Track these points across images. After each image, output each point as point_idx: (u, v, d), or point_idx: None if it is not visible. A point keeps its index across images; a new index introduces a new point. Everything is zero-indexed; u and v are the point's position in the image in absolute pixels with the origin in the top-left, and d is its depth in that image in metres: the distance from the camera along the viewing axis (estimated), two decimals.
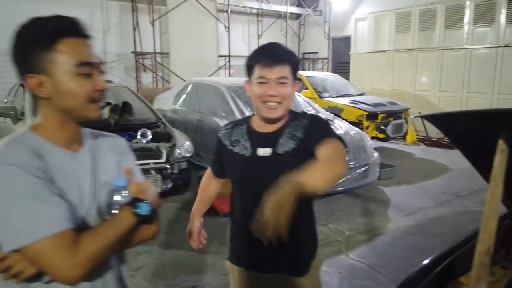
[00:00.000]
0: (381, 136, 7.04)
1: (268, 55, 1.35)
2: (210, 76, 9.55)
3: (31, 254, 0.85)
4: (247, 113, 5.29)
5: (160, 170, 4.20)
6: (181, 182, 4.47)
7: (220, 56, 10.33)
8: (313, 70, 12.93)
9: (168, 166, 4.24)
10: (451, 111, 1.47)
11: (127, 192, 0.99)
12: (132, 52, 9.24)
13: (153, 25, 9.20)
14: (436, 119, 1.51)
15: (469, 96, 8.72)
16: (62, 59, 0.92)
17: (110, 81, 5.78)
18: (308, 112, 1.51)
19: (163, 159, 4.22)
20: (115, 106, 4.61)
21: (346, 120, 6.11)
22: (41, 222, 0.84)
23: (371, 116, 6.93)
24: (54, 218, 0.86)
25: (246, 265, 1.53)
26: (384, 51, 10.32)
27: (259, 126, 1.47)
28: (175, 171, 4.36)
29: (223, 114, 5.47)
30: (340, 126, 5.17)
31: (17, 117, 4.53)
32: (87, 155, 1.03)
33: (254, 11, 11.80)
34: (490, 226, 1.38)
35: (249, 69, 1.41)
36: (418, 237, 3.77)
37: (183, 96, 6.67)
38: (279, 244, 1.15)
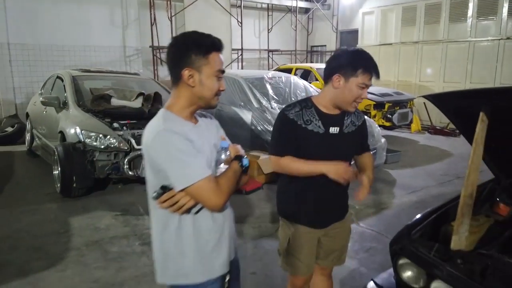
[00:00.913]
0: (387, 124, 7.49)
1: (376, 71, 1.74)
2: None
3: (192, 191, 1.28)
4: (264, 102, 5.77)
5: None
6: None
7: (233, 49, 10.78)
8: (322, 62, 13.34)
9: None
10: (447, 91, 1.89)
11: (228, 151, 1.46)
12: (150, 46, 9.71)
13: (171, 20, 9.65)
14: (435, 98, 1.96)
15: (471, 86, 9.09)
16: (211, 64, 1.36)
17: (138, 74, 6.28)
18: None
19: None
20: (148, 96, 5.09)
21: None
22: (197, 170, 1.27)
23: (378, 105, 7.38)
24: (203, 167, 1.30)
25: (314, 223, 1.92)
26: (390, 44, 10.73)
27: (326, 109, 1.83)
28: None
29: (242, 103, 5.94)
30: None
31: (60, 106, 5.05)
32: (202, 127, 1.46)
33: (265, 5, 12.20)
34: (472, 176, 1.86)
35: (352, 70, 1.71)
36: (421, 210, 4.23)
37: None
38: (342, 196, 1.98)
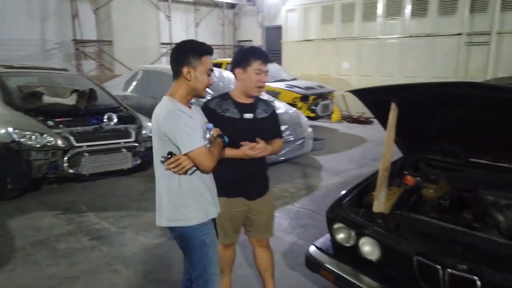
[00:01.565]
0: (312, 115, 8.15)
1: (265, 57, 2.14)
2: (152, 63, 9.95)
3: (193, 155, 1.75)
4: None
5: (130, 148, 4.77)
6: (147, 159, 5.07)
7: (161, 44, 10.72)
8: None
9: (136, 144, 4.82)
10: (367, 87, 2.32)
11: (212, 131, 1.91)
12: (72, 40, 9.29)
13: (95, 13, 9.31)
14: (358, 92, 2.41)
15: (382, 79, 10.19)
16: (203, 64, 1.83)
17: (67, 70, 6.08)
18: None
19: (133, 139, 4.79)
20: (83, 92, 5.02)
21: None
22: (197, 139, 1.76)
23: (304, 98, 7.99)
24: (201, 138, 1.79)
25: (242, 194, 2.24)
26: (311, 40, 11.51)
27: (240, 99, 2.21)
28: (142, 149, 4.95)
29: None
30: (280, 106, 6.09)
31: None
32: (194, 112, 1.91)
33: (192, 0, 12.26)
34: (387, 154, 2.34)
35: (245, 61, 2.12)
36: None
37: (134, 83, 7.12)
38: (260, 176, 2.30)
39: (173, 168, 1.77)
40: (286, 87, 8.19)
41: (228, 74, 7.05)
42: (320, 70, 11.37)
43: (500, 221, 2.13)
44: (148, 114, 6.14)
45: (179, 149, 1.77)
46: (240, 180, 2.23)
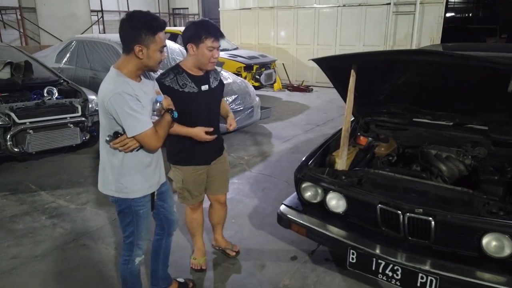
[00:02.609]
0: (256, 84, 8.29)
1: (217, 34, 2.16)
2: (83, 33, 9.30)
3: (139, 138, 1.77)
4: None
5: (77, 124, 4.56)
6: (96, 134, 4.89)
7: (92, 11, 10.00)
8: (184, 26, 13.39)
9: (84, 119, 4.62)
10: (329, 55, 2.54)
11: (161, 103, 1.93)
12: None
13: None
14: (321, 60, 2.59)
15: (319, 48, 10.60)
16: (157, 42, 1.76)
17: None
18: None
19: (79, 113, 4.58)
20: (17, 65, 4.64)
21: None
22: (144, 123, 1.75)
23: (248, 67, 8.09)
24: (148, 121, 1.78)
25: (201, 162, 2.42)
26: (249, 9, 11.46)
27: (194, 71, 2.26)
28: (90, 123, 4.75)
29: None
30: (228, 76, 6.14)
31: None
32: (144, 83, 1.87)
33: None
34: (348, 116, 2.58)
35: (198, 38, 2.14)
36: (296, 154, 5.14)
37: (68, 54, 6.67)
38: (216, 142, 2.44)
39: (120, 147, 1.79)
40: (230, 56, 8.19)
41: (171, 44, 6.87)
42: (259, 39, 11.45)
43: (443, 170, 2.49)
44: (90, 87, 5.94)
45: (124, 130, 1.77)
46: (200, 149, 2.35)
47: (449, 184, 2.36)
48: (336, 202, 2.40)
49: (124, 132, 1.76)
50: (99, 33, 10.26)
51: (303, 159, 2.70)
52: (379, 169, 2.54)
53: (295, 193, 2.70)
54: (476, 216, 1.94)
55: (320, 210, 2.48)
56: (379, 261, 2.09)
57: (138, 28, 1.70)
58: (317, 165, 2.68)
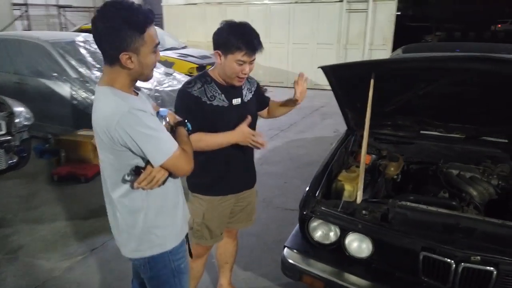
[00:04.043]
0: None
1: (251, 46, 1.71)
2: (4, 29, 8.00)
3: (169, 163, 1.31)
4: (83, 71, 4.96)
5: (1, 144, 3.67)
6: (25, 154, 4.02)
7: (14, 4, 8.67)
8: None
9: (10, 137, 3.73)
10: (342, 63, 2.10)
11: (168, 118, 1.49)
12: None
13: None
14: (332, 69, 2.11)
15: (271, 46, 10.13)
16: (148, 42, 1.28)
17: None
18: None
19: (3, 131, 3.68)
20: None
21: None
22: (169, 143, 1.31)
23: (200, 68, 7.41)
24: (172, 139, 1.34)
25: (229, 191, 2.01)
26: (195, 4, 10.74)
27: (224, 82, 1.85)
28: (17, 143, 3.88)
29: (55, 74, 4.94)
30: (182, 80, 5.46)
31: None
32: (142, 98, 1.44)
33: None
34: (366, 136, 2.10)
35: (227, 46, 1.71)
36: (266, 166, 4.63)
37: None
38: (249, 164, 2.06)
39: (146, 184, 1.33)
40: (179, 56, 7.47)
41: None
42: (207, 37, 10.64)
43: (474, 195, 2.11)
44: (16, 95, 4.94)
45: (144, 158, 1.33)
46: (230, 174, 1.96)
47: (483, 214, 1.99)
48: (358, 245, 1.91)
49: (147, 163, 1.32)
50: (23, 30, 8.94)
51: (307, 188, 2.18)
52: (402, 198, 2.09)
53: (296, 230, 2.19)
54: None
55: (334, 253, 1.99)
56: None
57: (119, 29, 1.22)
58: (324, 195, 2.18)
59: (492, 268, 1.58)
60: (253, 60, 1.78)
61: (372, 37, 9.12)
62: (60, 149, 4.50)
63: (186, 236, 1.63)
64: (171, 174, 1.38)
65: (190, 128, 1.56)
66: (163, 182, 1.38)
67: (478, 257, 1.60)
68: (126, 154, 1.31)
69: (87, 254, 2.89)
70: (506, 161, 2.39)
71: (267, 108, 2.18)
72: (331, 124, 6.41)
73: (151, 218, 1.44)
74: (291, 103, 2.10)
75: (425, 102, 2.34)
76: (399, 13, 10.00)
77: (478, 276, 1.61)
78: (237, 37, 1.71)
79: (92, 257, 2.86)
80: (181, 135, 1.47)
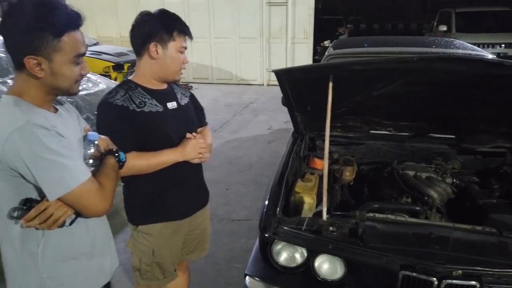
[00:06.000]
0: None
1: (188, 30, 1.57)
2: None
3: (72, 198, 1.05)
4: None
5: None
6: None
7: None
8: None
9: None
10: (297, 66, 1.90)
11: (98, 144, 1.22)
12: None
13: None
14: (285, 73, 1.88)
15: (192, 41, 9.72)
16: (65, 50, 1.06)
17: None
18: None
19: None
20: None
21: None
22: (77, 172, 1.05)
23: (117, 66, 6.76)
24: (82, 168, 1.09)
25: (184, 213, 1.73)
26: None
27: (153, 85, 1.61)
28: None
29: None
30: (99, 81, 4.85)
31: None
32: (64, 116, 1.20)
33: None
34: (327, 143, 1.92)
35: (167, 35, 1.51)
36: (204, 171, 4.30)
37: None
38: (198, 181, 1.80)
39: (39, 223, 1.06)
40: (92, 54, 6.68)
41: None
42: (120, 32, 9.95)
43: (435, 198, 2.05)
44: None
45: (42, 190, 1.06)
46: (178, 194, 1.68)
47: (445, 217, 1.94)
48: (329, 267, 1.73)
49: (43, 196, 1.05)
50: None
51: (265, 204, 1.94)
52: (367, 208, 1.95)
53: (254, 253, 1.96)
54: None
55: (302, 277, 1.79)
56: None
57: (29, 26, 1.02)
58: (284, 212, 1.96)
59: (474, 282, 1.49)
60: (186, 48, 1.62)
61: (294, 31, 9.17)
62: None
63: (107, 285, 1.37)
64: (80, 214, 1.12)
65: (124, 160, 1.28)
66: (70, 223, 1.13)
67: (460, 271, 1.50)
68: (19, 181, 1.05)
69: None
70: (455, 157, 2.40)
71: (201, 128, 1.87)
72: (264, 120, 6.27)
73: (48, 269, 1.15)
74: None
75: (376, 102, 2.23)
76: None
77: None
78: (174, 22, 1.55)
79: None
80: (106, 166, 1.20)
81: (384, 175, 2.34)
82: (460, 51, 3.02)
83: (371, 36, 8.84)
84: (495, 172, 2.27)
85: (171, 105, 1.66)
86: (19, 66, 1.07)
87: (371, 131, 2.51)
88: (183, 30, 1.57)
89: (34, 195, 1.08)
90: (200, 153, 1.62)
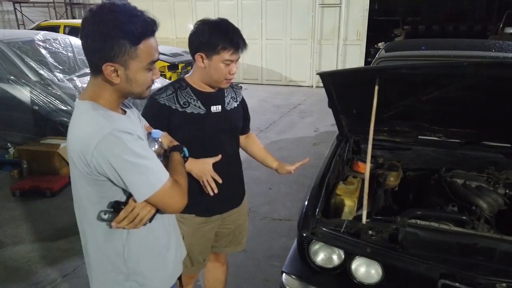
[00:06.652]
0: None
1: (236, 44, 1.59)
2: None
3: (157, 198, 1.10)
4: (44, 73, 4.54)
5: None
6: None
7: None
8: None
9: None
10: (343, 69, 1.94)
11: (161, 141, 1.30)
12: None
13: None
14: (331, 76, 1.91)
15: None
16: (141, 57, 1.08)
17: None
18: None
19: None
20: None
21: None
22: (159, 173, 1.11)
23: (172, 66, 7.06)
24: (162, 168, 1.13)
25: (213, 211, 1.81)
26: None
27: (202, 87, 1.69)
28: None
29: (12, 77, 4.50)
30: (156, 80, 5.11)
31: None
32: (131, 117, 1.24)
33: None
34: (370, 147, 1.91)
35: (211, 47, 1.56)
36: (249, 170, 4.36)
37: None
38: (237, 181, 1.91)
39: (127, 224, 1.12)
40: None
41: (76, 41, 5.59)
42: (177, 33, 10.37)
43: (484, 208, 1.97)
44: None
45: (126, 191, 1.12)
46: (208, 194, 1.68)
47: (494, 228, 1.86)
48: (366, 270, 1.73)
49: (129, 197, 1.12)
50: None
51: (305, 204, 1.97)
52: (409, 214, 1.92)
53: (293, 251, 1.99)
54: None
55: (338, 279, 1.80)
56: None
57: (109, 35, 1.03)
58: (323, 214, 1.98)
59: None
60: (238, 58, 1.65)
61: (346, 32, 9.04)
62: (22, 160, 4.10)
63: (179, 278, 1.42)
64: (159, 210, 1.16)
65: (187, 155, 1.36)
66: (150, 220, 1.16)
67: (504, 284, 1.44)
68: (106, 185, 1.10)
69: (57, 282, 2.59)
70: (510, 166, 2.27)
71: (244, 136, 1.99)
72: (310, 122, 6.26)
73: (133, 263, 1.22)
74: (271, 164, 2.08)
75: (424, 106, 2.18)
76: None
77: None
78: (222, 36, 1.57)
79: (63, 286, 2.55)
80: (175, 162, 1.26)
81: (431, 182, 2.28)
82: None
83: (429, 39, 8.47)
84: None
85: (215, 108, 1.71)
86: (96, 71, 1.10)
87: (420, 137, 2.45)
88: (228, 45, 1.57)
89: (118, 197, 1.13)
90: (207, 179, 1.64)
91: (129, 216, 1.11)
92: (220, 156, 1.67)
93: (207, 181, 1.64)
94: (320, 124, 6.07)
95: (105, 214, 1.12)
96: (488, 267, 1.52)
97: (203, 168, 1.63)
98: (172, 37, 10.33)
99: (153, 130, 1.31)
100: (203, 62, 1.61)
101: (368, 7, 8.83)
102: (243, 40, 1.63)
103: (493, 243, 1.65)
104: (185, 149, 1.35)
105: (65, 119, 4.36)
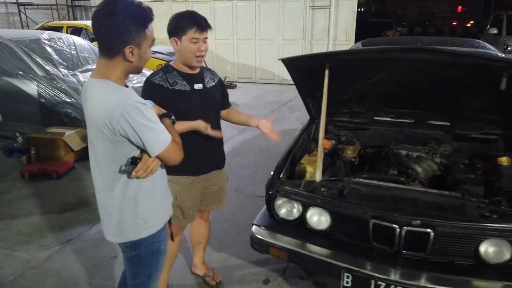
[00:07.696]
0: None
1: (198, 23, 1.91)
2: None
3: (164, 153, 1.44)
4: (50, 69, 4.96)
5: None
6: None
7: None
8: (87, 19, 12.08)
9: None
10: (299, 55, 2.31)
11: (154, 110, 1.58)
12: None
13: None
14: (289, 61, 2.31)
15: (239, 42, 10.35)
16: (149, 37, 1.41)
17: None
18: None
19: None
20: None
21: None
22: (165, 135, 1.44)
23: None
24: (166, 130, 1.46)
25: (199, 171, 2.16)
26: (161, 1, 10.73)
27: (185, 69, 2.04)
28: None
29: (20, 73, 4.91)
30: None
31: None
32: (133, 91, 1.50)
33: None
34: (323, 123, 2.32)
35: (180, 30, 1.92)
36: (238, 157, 4.82)
37: None
38: (218, 146, 2.23)
39: (142, 174, 1.46)
40: None
41: (79, 40, 6.02)
42: None
43: (419, 172, 2.38)
44: (7, 97, 4.83)
45: (141, 149, 1.46)
46: (198, 155, 2.09)
47: (427, 187, 2.26)
48: (318, 219, 2.14)
49: (142, 153, 1.46)
50: None
51: (272, 171, 2.39)
52: (357, 176, 2.33)
53: (263, 209, 2.40)
54: (475, 223, 1.83)
55: (297, 228, 2.21)
56: (379, 282, 1.88)
57: (126, 24, 1.34)
58: (288, 177, 2.39)
59: (429, 230, 1.83)
60: (206, 38, 1.96)
61: (336, 33, 9.46)
62: (30, 147, 4.51)
63: (169, 222, 1.75)
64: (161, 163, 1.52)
65: (174, 120, 1.69)
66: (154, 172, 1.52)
67: (418, 221, 1.85)
68: (125, 145, 1.41)
69: (63, 244, 2.98)
70: (449, 141, 2.68)
71: (226, 110, 2.34)
72: (299, 117, 6.67)
73: (142, 205, 1.54)
74: (252, 122, 2.31)
75: (377, 90, 2.59)
76: (361, 9, 10.39)
77: (419, 238, 1.87)
78: (186, 18, 1.93)
79: (69, 247, 2.95)
80: (168, 126, 1.56)
81: (382, 155, 2.69)
82: (472, 49, 3.29)
83: (406, 36, 8.88)
84: (483, 156, 2.54)
85: (198, 86, 2.06)
86: (112, 54, 1.37)
87: (375, 118, 2.86)
88: (192, 24, 1.90)
89: (132, 154, 1.43)
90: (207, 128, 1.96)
91: (144, 167, 1.44)
92: (209, 125, 1.99)
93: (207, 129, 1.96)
94: (307, 118, 6.45)
95: (125, 166, 1.44)
96: (410, 210, 1.93)
97: (201, 124, 1.95)
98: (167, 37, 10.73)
99: (146, 101, 1.58)
100: (177, 45, 1.96)
101: (356, 9, 9.26)
102: (205, 20, 1.96)
103: (417, 194, 2.07)
104: (172, 115, 1.67)
105: (69, 110, 4.77)
